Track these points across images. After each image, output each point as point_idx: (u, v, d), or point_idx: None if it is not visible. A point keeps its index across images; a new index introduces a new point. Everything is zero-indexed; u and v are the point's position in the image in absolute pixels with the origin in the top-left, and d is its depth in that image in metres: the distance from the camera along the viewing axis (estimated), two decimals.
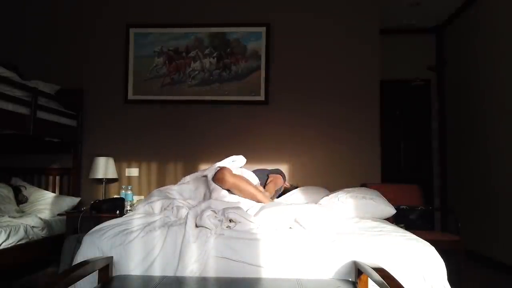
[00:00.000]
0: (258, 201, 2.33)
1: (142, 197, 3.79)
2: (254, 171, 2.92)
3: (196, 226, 1.78)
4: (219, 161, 2.74)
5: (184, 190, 2.56)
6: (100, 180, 3.89)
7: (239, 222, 1.81)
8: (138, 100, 4.10)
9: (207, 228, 1.75)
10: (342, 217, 2.23)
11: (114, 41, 4.17)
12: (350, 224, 2.11)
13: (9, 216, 3.17)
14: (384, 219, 2.52)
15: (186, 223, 1.75)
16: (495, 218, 3.89)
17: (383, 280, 1.24)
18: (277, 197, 2.94)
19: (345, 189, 2.75)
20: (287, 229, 1.89)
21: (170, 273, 1.62)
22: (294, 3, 4.10)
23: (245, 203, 2.23)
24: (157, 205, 2.17)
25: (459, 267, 3.03)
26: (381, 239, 1.75)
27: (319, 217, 1.97)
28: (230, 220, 1.83)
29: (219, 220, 1.80)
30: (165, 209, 2.10)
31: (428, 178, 5.29)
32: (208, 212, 1.82)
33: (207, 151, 4.01)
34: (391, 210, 2.54)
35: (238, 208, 1.94)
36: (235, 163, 2.76)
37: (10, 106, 2.92)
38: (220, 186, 2.38)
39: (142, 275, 1.63)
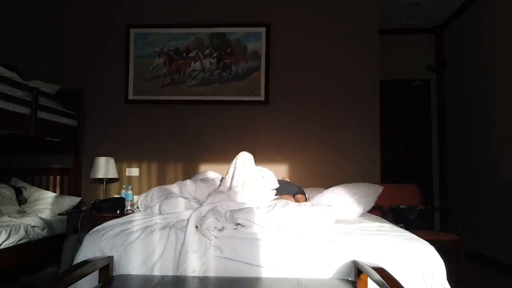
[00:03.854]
0: None
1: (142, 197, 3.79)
2: (281, 183, 2.89)
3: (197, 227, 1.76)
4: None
5: (185, 188, 2.57)
6: (100, 180, 3.89)
7: (248, 226, 1.80)
8: (139, 100, 4.10)
9: (206, 238, 1.72)
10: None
11: (114, 41, 4.17)
12: (349, 224, 2.12)
13: (10, 216, 3.18)
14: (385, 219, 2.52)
15: (187, 228, 1.73)
16: (495, 218, 3.89)
17: (382, 280, 1.24)
18: None
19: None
20: (289, 229, 1.87)
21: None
22: (294, 3, 4.10)
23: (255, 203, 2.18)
24: (156, 210, 2.17)
25: (458, 267, 3.03)
26: (380, 239, 1.76)
27: (327, 219, 1.97)
28: (238, 223, 1.82)
29: (219, 230, 1.76)
30: (167, 213, 2.08)
31: (428, 178, 5.29)
32: (210, 219, 1.74)
33: (207, 151, 4.02)
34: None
35: (248, 211, 1.90)
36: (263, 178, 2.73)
37: (10, 106, 2.93)
38: None
39: (142, 274, 1.63)
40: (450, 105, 5.10)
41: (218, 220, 1.77)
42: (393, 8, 4.66)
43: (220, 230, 1.76)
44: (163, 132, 4.07)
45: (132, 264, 1.65)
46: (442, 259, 1.66)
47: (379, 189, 2.68)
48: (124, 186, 3.44)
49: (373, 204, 2.62)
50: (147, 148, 4.05)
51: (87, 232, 1.85)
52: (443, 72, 5.22)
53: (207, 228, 1.72)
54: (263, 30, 4.05)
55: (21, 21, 4.25)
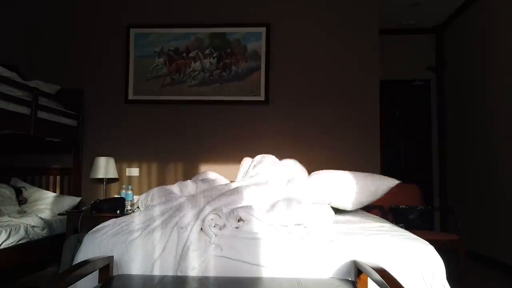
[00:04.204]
0: None
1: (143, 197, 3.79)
2: None
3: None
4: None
5: (185, 188, 2.57)
6: (100, 180, 3.89)
7: (248, 220, 1.80)
8: (139, 100, 4.10)
9: (207, 235, 1.72)
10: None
11: (114, 41, 4.17)
12: (349, 224, 2.12)
13: (10, 216, 3.18)
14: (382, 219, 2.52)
15: (192, 228, 1.73)
16: (495, 218, 3.89)
17: (382, 280, 1.24)
18: None
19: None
20: (288, 228, 1.87)
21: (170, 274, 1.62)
22: (294, 3, 4.11)
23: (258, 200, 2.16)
24: (157, 209, 2.16)
25: (458, 267, 3.03)
26: (380, 239, 1.75)
27: (326, 218, 1.97)
28: (239, 220, 1.82)
29: (220, 227, 1.76)
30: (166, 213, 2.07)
31: (428, 178, 5.29)
32: (211, 216, 1.76)
33: (207, 151, 4.02)
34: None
35: (250, 207, 1.91)
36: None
37: (10, 106, 2.93)
38: None
39: (142, 274, 1.63)
40: (450, 105, 5.10)
41: (220, 217, 1.77)
42: (393, 8, 4.66)
43: (220, 228, 1.76)
44: (163, 132, 4.07)
45: (133, 263, 1.65)
46: (442, 259, 1.66)
47: (391, 183, 2.45)
48: (124, 186, 3.44)
49: (376, 199, 2.46)
50: (147, 148, 4.05)
51: (87, 232, 1.84)
52: (443, 72, 5.22)
53: (208, 226, 1.73)
54: (263, 30, 4.05)
55: (21, 21, 4.25)
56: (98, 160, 3.81)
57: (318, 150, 3.96)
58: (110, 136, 4.09)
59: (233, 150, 4.00)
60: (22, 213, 3.47)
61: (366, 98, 3.99)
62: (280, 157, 3.95)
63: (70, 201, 3.78)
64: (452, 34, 5.02)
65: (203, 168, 3.96)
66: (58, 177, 4.06)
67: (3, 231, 2.80)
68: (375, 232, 1.89)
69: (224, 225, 1.78)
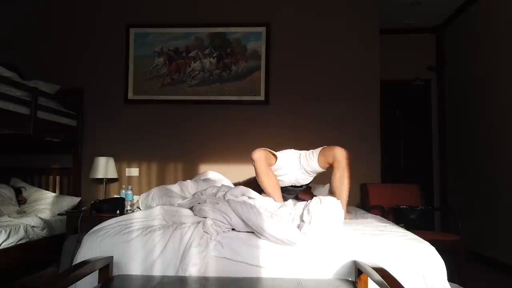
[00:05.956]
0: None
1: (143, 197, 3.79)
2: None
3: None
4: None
5: (186, 188, 2.57)
6: (100, 180, 3.89)
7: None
8: (138, 100, 4.10)
9: (207, 233, 1.73)
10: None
11: (114, 41, 4.17)
12: (349, 224, 2.11)
13: (9, 216, 3.17)
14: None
15: (194, 229, 1.74)
16: (495, 218, 3.89)
17: (383, 280, 1.24)
18: None
19: None
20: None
21: (170, 273, 1.62)
22: (294, 3, 4.10)
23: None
24: (157, 210, 2.15)
25: (459, 267, 3.03)
26: (381, 239, 1.75)
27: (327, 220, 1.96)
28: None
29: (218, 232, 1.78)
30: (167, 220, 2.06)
31: (428, 178, 5.29)
32: (211, 222, 1.79)
33: (207, 150, 4.02)
34: None
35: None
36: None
37: (10, 106, 2.92)
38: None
39: (142, 274, 1.63)
40: (450, 105, 5.09)
41: (220, 227, 1.79)
42: (393, 8, 4.66)
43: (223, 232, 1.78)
44: (163, 132, 4.06)
45: (133, 262, 1.65)
46: (443, 259, 1.66)
47: None
48: (124, 186, 3.43)
49: None
50: (147, 148, 4.05)
51: (87, 232, 1.84)
52: (444, 72, 5.22)
53: (210, 225, 1.74)
54: (263, 30, 4.04)
55: (21, 21, 4.25)
56: (98, 160, 3.81)
57: None
58: (110, 136, 4.08)
59: (233, 150, 4.00)
60: (22, 213, 3.47)
61: (366, 98, 3.98)
62: None
63: (70, 201, 3.78)
64: (453, 33, 5.02)
65: (203, 168, 3.96)
66: (57, 177, 4.05)
67: (3, 231, 2.79)
68: (376, 232, 1.89)
69: (229, 230, 1.78)
